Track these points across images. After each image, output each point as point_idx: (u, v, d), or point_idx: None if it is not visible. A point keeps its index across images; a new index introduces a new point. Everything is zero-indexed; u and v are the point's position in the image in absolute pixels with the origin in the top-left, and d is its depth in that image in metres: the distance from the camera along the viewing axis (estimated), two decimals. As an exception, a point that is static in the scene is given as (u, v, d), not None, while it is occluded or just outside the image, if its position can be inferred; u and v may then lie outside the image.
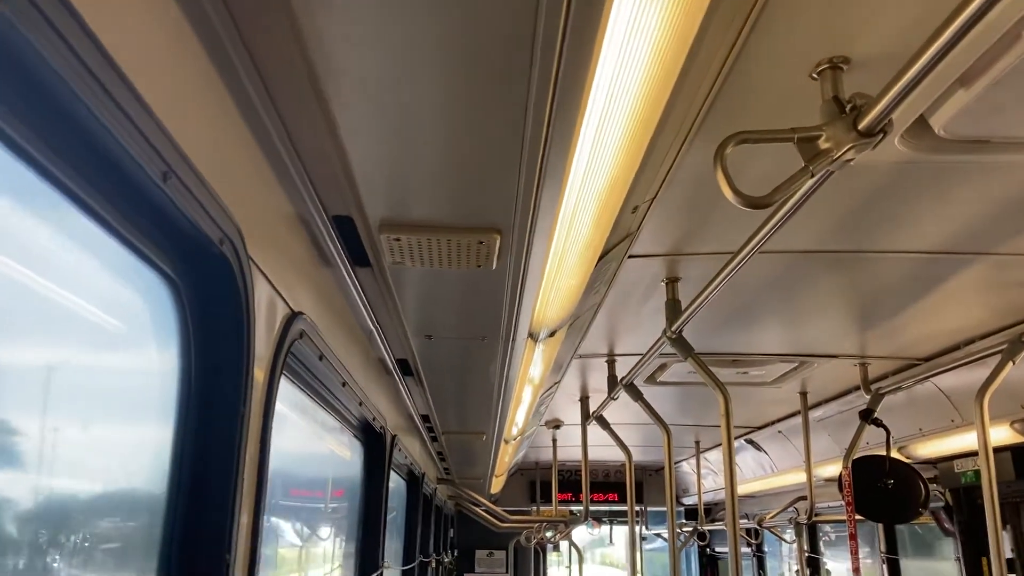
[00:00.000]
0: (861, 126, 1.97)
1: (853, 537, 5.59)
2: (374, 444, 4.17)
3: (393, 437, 4.45)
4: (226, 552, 1.62)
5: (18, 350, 1.22)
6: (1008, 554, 5.59)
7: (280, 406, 2.02)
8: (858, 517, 5.58)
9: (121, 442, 1.55)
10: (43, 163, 1.05)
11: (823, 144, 2.05)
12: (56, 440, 1.33)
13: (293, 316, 2.04)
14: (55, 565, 1.35)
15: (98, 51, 0.98)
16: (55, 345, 1.33)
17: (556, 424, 8.94)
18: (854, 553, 5.61)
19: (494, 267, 2.31)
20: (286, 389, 2.61)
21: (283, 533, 3.37)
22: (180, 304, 1.54)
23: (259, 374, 1.78)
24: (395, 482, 6.22)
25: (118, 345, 1.53)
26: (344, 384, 2.86)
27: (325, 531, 4.08)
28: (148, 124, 1.12)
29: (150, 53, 1.19)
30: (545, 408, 7.49)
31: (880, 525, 7.78)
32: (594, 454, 8.09)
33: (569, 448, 10.25)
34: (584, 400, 7.24)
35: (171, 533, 1.59)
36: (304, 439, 3.38)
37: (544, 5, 1.28)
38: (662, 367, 5.97)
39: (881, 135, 1.98)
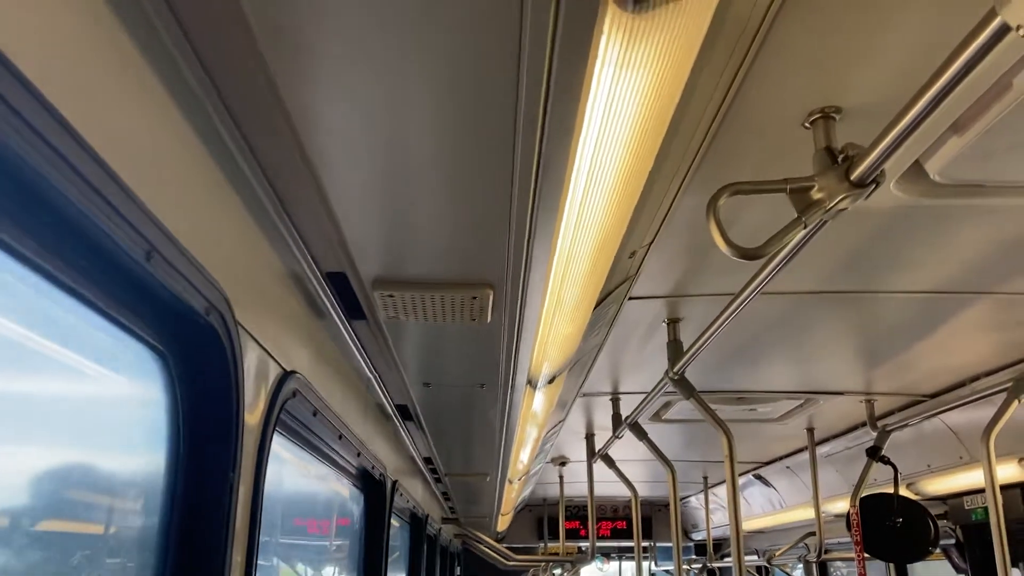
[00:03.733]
0: (854, 176, 1.96)
1: (863, 576, 5.52)
2: (374, 491, 4.13)
3: (394, 483, 4.41)
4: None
5: (6, 418, 1.22)
6: (1020, 592, 5.50)
7: (278, 449, 2.01)
8: (867, 556, 5.51)
9: (109, 513, 1.53)
10: (19, 248, 1.05)
11: (816, 195, 2.05)
12: (47, 496, 1.32)
13: (285, 376, 2.03)
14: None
15: (71, 138, 0.98)
16: (46, 412, 1.33)
17: (562, 461, 8.88)
18: (865, 593, 5.53)
19: (488, 321, 2.31)
20: (282, 441, 2.59)
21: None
22: (168, 374, 1.53)
23: (250, 436, 1.77)
24: (398, 523, 6.17)
25: (107, 416, 1.52)
26: (341, 436, 2.84)
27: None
28: (128, 206, 1.11)
29: (129, 131, 1.19)
30: (551, 445, 7.45)
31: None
32: (601, 490, 8.02)
33: (576, 484, 10.17)
34: (589, 437, 7.20)
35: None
36: (303, 486, 3.35)
37: (526, 63, 1.28)
38: (667, 404, 5.93)
39: (874, 185, 1.98)
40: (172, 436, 1.56)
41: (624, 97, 1.51)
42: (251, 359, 1.75)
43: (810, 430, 6.50)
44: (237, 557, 1.66)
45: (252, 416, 1.77)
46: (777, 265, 2.60)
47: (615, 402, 5.87)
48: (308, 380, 2.24)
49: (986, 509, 5.65)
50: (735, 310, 3.06)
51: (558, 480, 9.80)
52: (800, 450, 7.25)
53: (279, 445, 2.51)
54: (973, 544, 5.99)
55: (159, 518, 1.55)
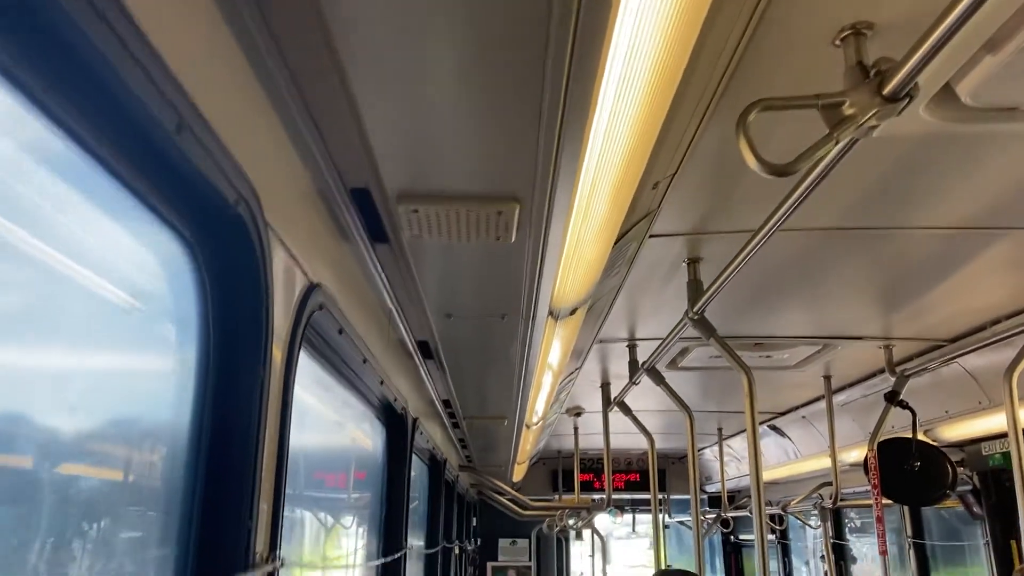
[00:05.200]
0: (886, 91, 1.93)
1: (880, 520, 5.55)
2: (396, 426, 4.17)
3: (415, 420, 4.45)
4: (247, 530, 1.61)
5: (31, 316, 1.21)
6: (1038, 537, 5.52)
7: (300, 391, 2.01)
8: (884, 500, 5.53)
9: (138, 407, 1.54)
10: (56, 111, 1.05)
11: (847, 110, 2.02)
12: (71, 414, 1.32)
13: (312, 287, 2.04)
14: (74, 544, 1.35)
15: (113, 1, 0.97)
16: (71, 312, 1.32)
17: (577, 411, 8.93)
18: (881, 536, 5.57)
19: (513, 239, 2.30)
20: (306, 365, 2.60)
21: (306, 516, 3.38)
22: (197, 268, 1.53)
23: (278, 345, 1.77)
24: (418, 468, 6.23)
25: (138, 310, 1.52)
26: (365, 361, 2.85)
27: (347, 514, 4.09)
28: (161, 75, 1.11)
29: (164, 8, 1.18)
30: (566, 395, 7.48)
31: (906, 509, 7.72)
32: (616, 441, 8.07)
33: (591, 436, 10.24)
34: (605, 386, 7.22)
35: (191, 505, 1.58)
36: (326, 422, 3.38)
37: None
38: (683, 352, 5.94)
39: (907, 100, 1.95)
40: (202, 335, 1.57)
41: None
42: (279, 263, 1.74)
43: (827, 377, 6.50)
44: (268, 459, 1.68)
45: (280, 323, 1.77)
46: (804, 191, 2.57)
47: (632, 348, 5.88)
48: (335, 296, 2.25)
49: (1004, 454, 5.67)
50: (759, 243, 3.04)
51: (573, 432, 9.87)
52: (817, 399, 7.26)
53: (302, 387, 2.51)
54: (990, 490, 6.01)
55: (189, 415, 1.56)
